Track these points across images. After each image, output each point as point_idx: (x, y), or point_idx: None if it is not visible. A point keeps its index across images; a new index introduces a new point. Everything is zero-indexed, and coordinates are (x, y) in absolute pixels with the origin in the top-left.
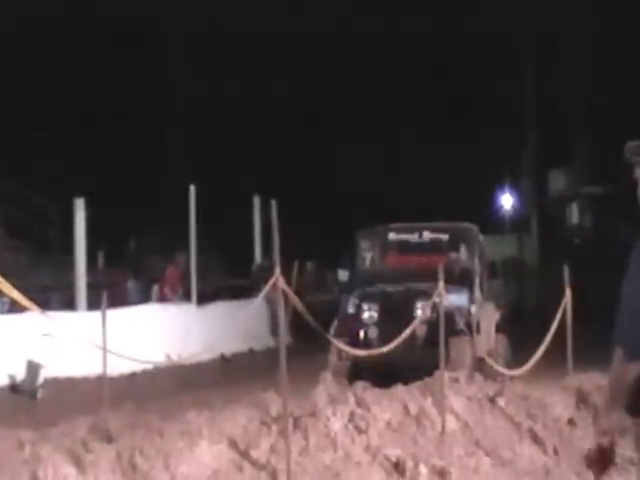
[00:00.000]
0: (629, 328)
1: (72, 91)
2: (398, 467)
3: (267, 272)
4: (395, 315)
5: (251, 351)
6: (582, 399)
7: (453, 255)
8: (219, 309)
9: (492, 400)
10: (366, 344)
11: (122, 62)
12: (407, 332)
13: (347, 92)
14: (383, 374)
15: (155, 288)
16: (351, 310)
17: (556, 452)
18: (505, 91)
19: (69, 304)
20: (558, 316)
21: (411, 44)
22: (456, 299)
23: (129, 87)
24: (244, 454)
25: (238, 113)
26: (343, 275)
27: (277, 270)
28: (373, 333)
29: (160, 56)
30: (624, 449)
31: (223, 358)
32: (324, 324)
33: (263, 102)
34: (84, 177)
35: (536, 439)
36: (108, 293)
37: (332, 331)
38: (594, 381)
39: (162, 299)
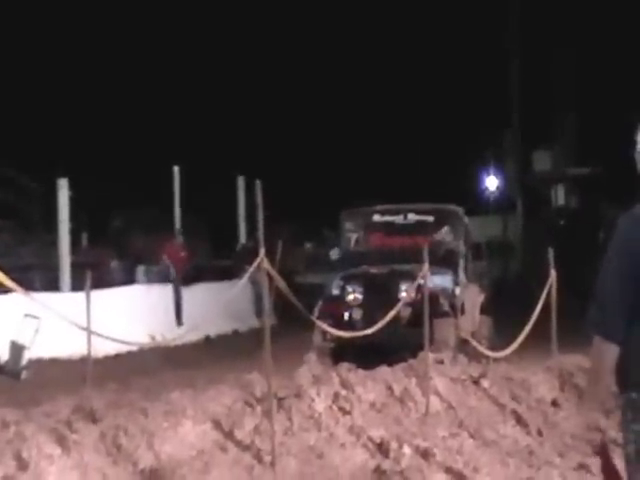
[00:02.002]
0: (603, 312)
1: (56, 71)
2: (382, 448)
3: (251, 253)
4: (379, 296)
5: (235, 332)
6: (566, 380)
7: (438, 237)
8: (203, 290)
9: (476, 381)
10: (350, 325)
11: (107, 39)
12: (391, 313)
13: (333, 74)
14: (367, 355)
15: (141, 268)
16: (335, 291)
17: (540, 433)
18: (489, 71)
19: (53, 284)
20: (542, 297)
21: (395, 26)
22: (440, 281)
23: (114, 66)
24: (228, 434)
25: (223, 93)
26: (334, 254)
27: (261, 251)
28: (357, 314)
29: (147, 34)
30: (609, 430)
31: (207, 339)
32: (313, 305)
33: (249, 80)
34: (68, 157)
35: (520, 420)
36: (92, 273)
37: (316, 312)
38: (578, 362)
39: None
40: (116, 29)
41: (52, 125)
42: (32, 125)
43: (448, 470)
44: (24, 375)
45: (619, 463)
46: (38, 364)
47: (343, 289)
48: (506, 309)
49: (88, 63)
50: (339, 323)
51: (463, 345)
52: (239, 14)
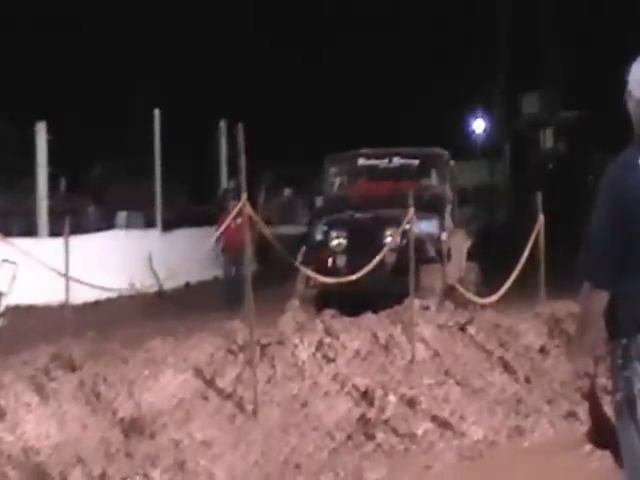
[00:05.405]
0: (592, 257)
1: (36, 12)
2: (367, 396)
3: (234, 196)
4: (364, 242)
5: (216, 279)
6: (554, 327)
7: (423, 181)
8: (184, 236)
9: (463, 328)
10: (335, 272)
11: None
12: (376, 260)
13: (317, 16)
14: (352, 302)
15: (122, 214)
16: (319, 237)
17: (528, 380)
18: (477, 11)
19: (31, 230)
20: (530, 243)
21: None
22: (426, 226)
23: (95, 8)
24: (210, 383)
25: (204, 35)
26: (319, 202)
27: (244, 196)
28: (342, 261)
29: None
30: (599, 377)
31: (188, 286)
32: (294, 252)
33: (232, 22)
34: (47, 100)
35: (507, 367)
36: (70, 219)
37: (300, 258)
38: (566, 309)
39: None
40: None
41: (32, 68)
42: (11, 68)
43: (434, 418)
44: (1, 322)
45: (608, 410)
46: (15, 311)
47: (327, 235)
48: (494, 255)
49: (69, 6)
50: (323, 269)
51: (449, 291)
52: None
